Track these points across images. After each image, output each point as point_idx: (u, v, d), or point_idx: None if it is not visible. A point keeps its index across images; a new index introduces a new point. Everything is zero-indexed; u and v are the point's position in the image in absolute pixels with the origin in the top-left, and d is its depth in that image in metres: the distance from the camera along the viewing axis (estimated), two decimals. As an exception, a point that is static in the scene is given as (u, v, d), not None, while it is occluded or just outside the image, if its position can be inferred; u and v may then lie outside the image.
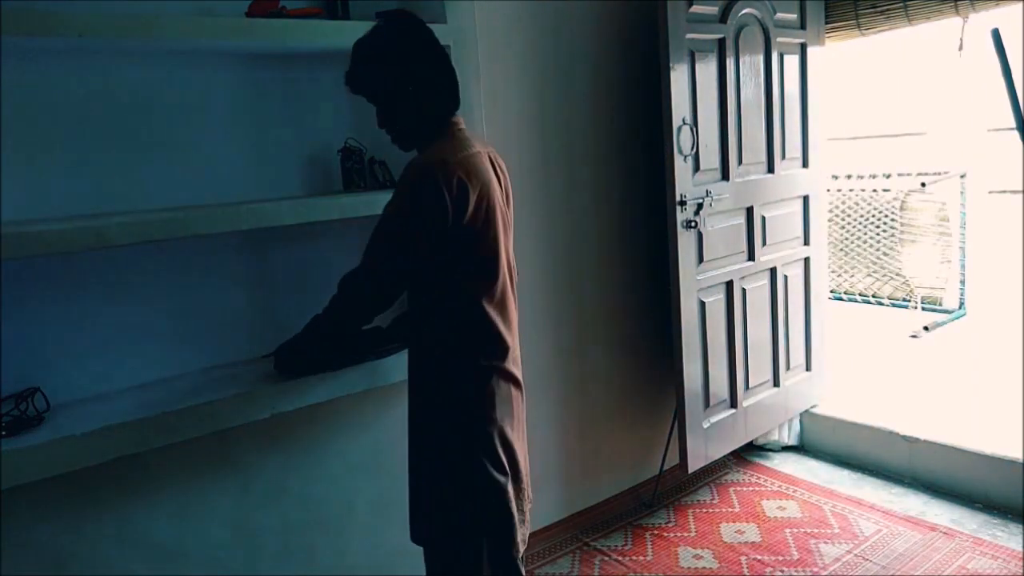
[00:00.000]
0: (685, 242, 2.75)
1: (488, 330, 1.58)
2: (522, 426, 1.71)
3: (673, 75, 2.64)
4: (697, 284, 2.83)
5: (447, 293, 1.56)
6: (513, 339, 1.65)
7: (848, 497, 2.96)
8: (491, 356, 1.59)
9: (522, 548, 1.68)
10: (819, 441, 3.37)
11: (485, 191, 1.54)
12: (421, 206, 1.48)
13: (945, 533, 2.66)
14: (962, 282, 3.78)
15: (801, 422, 3.42)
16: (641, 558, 2.65)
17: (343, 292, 1.64)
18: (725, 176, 2.90)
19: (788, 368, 3.28)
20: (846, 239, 4.12)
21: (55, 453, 1.59)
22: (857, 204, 4.08)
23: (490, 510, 1.60)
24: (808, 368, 3.39)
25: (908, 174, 3.89)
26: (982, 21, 2.73)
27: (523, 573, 1.74)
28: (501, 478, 1.59)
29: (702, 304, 2.86)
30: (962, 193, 3.75)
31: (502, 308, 1.61)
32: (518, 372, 1.67)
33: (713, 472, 3.21)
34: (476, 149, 1.58)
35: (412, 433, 1.67)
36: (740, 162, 2.95)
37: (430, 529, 1.64)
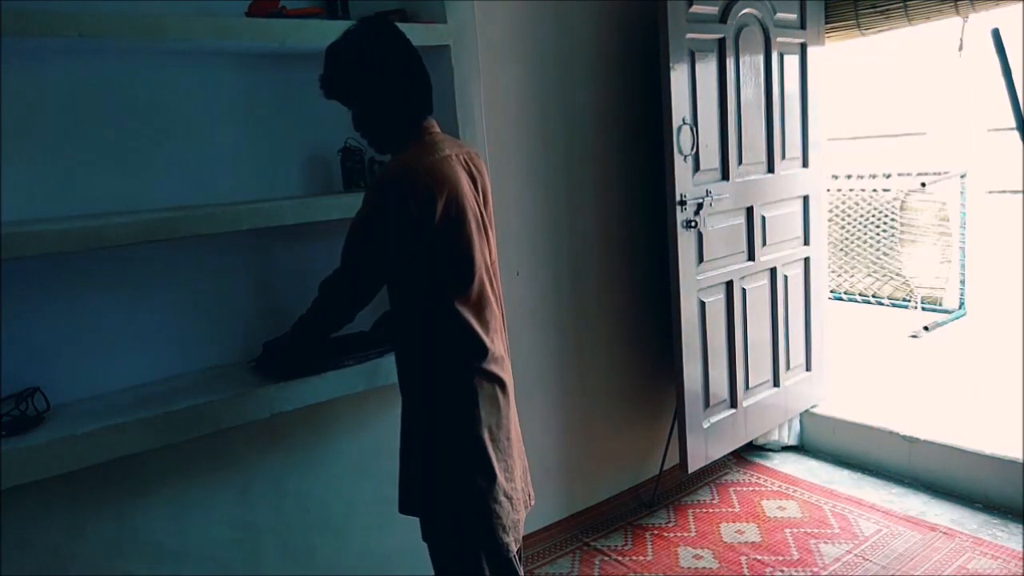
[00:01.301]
0: (685, 242, 2.75)
1: (462, 331, 1.59)
2: (514, 425, 1.72)
3: (673, 75, 2.64)
4: (697, 284, 2.83)
5: (421, 295, 1.59)
6: (493, 339, 1.65)
7: (848, 497, 2.96)
8: (469, 357, 1.60)
9: (514, 547, 1.69)
10: (819, 441, 3.37)
11: (453, 195, 1.55)
12: (386, 213, 1.51)
13: (945, 533, 2.66)
14: (962, 282, 3.78)
15: (801, 422, 3.42)
16: (641, 558, 2.65)
17: (322, 293, 1.71)
18: (725, 176, 2.90)
19: (788, 368, 3.28)
20: (846, 239, 4.13)
21: (55, 453, 1.59)
22: (857, 204, 4.08)
23: (467, 514, 1.62)
24: (808, 368, 3.39)
25: (908, 174, 3.89)
26: (982, 21, 2.72)
27: (518, 570, 1.74)
28: (481, 482, 1.61)
29: (702, 304, 2.86)
30: (962, 193, 3.75)
31: (478, 309, 1.62)
32: (502, 372, 1.67)
33: (713, 472, 3.21)
34: (446, 153, 1.60)
35: (402, 425, 1.71)
36: (740, 162, 2.95)
37: (423, 516, 1.69)
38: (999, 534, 2.62)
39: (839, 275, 4.16)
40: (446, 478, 1.61)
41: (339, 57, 1.58)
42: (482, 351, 1.61)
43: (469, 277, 1.60)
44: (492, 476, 1.62)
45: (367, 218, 1.56)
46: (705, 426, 2.92)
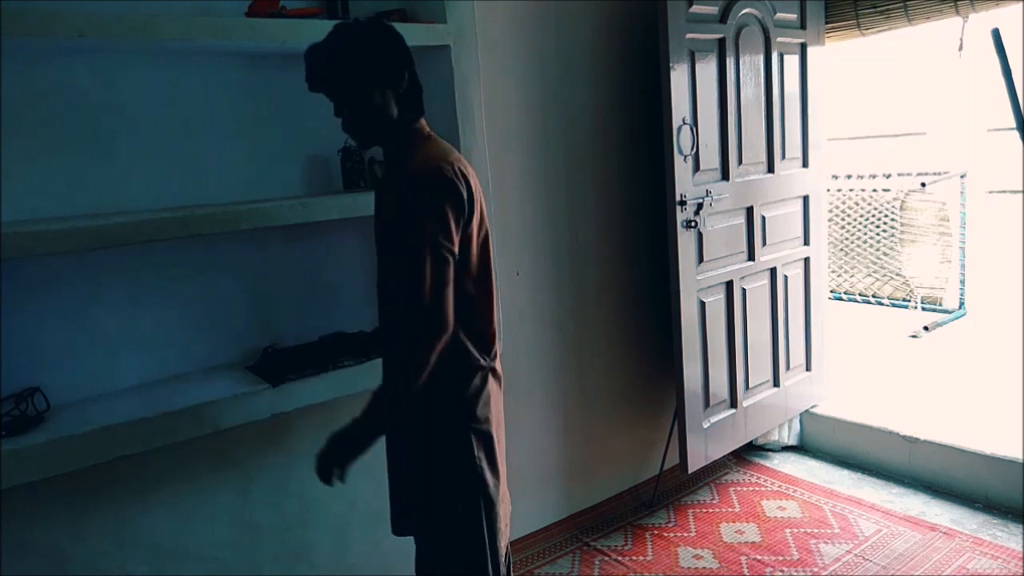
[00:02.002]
0: (685, 242, 2.75)
1: (483, 326, 1.59)
2: (503, 423, 1.71)
3: (673, 75, 2.64)
4: (697, 284, 2.83)
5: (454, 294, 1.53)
6: (499, 336, 1.67)
7: (848, 497, 2.96)
8: (483, 352, 1.60)
9: (503, 546, 1.67)
10: (819, 441, 3.37)
11: (477, 188, 1.56)
12: (448, 207, 1.45)
13: (945, 533, 2.66)
14: (962, 282, 3.78)
15: (801, 422, 3.42)
16: (641, 558, 2.65)
17: (405, 340, 1.45)
18: (725, 176, 2.90)
19: (788, 368, 3.28)
20: (846, 239, 4.12)
21: (55, 453, 1.59)
22: (857, 204, 4.08)
23: (477, 519, 1.58)
24: (808, 368, 3.39)
25: (908, 174, 3.89)
26: (982, 21, 2.72)
27: (505, 569, 1.72)
28: (492, 483, 1.59)
29: (702, 304, 2.86)
30: (962, 193, 3.74)
31: (492, 303, 1.63)
32: (500, 368, 1.68)
33: (713, 472, 3.21)
34: (455, 152, 1.60)
35: (395, 435, 1.65)
36: (740, 162, 2.95)
37: (426, 524, 1.63)
38: (999, 534, 2.62)
39: (839, 275, 4.16)
40: (458, 479, 1.56)
41: (354, 52, 1.50)
42: (493, 346, 1.62)
43: (489, 274, 1.59)
44: (498, 476, 1.61)
45: (434, 218, 1.43)
46: (705, 426, 2.91)
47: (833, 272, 4.12)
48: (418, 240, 1.43)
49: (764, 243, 3.09)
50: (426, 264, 1.42)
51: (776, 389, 3.23)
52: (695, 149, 2.76)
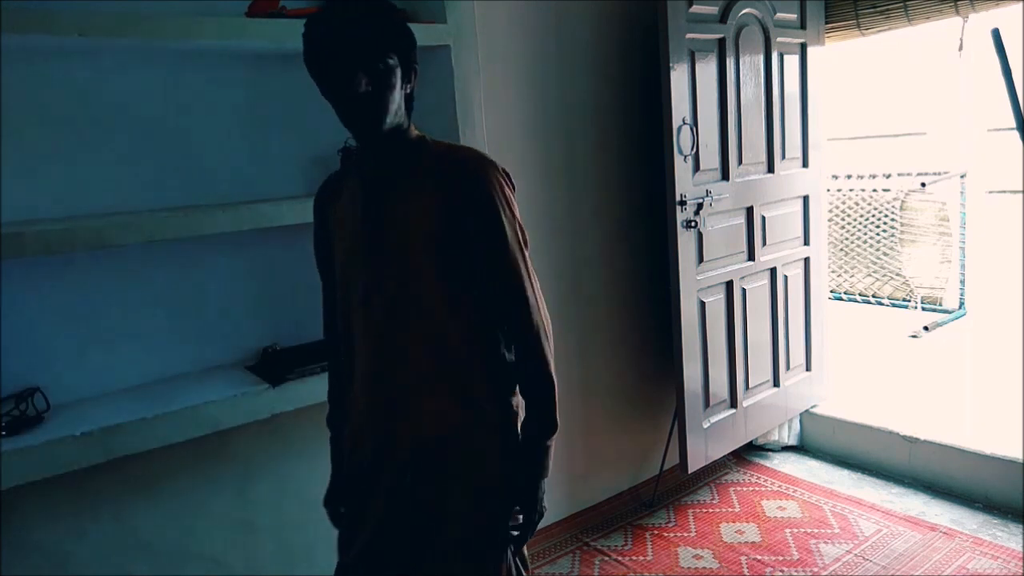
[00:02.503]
0: (685, 242, 2.75)
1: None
2: None
3: (673, 75, 2.64)
4: (697, 284, 2.83)
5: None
6: None
7: (848, 497, 2.96)
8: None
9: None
10: (819, 441, 3.37)
11: None
12: (511, 193, 1.35)
13: (945, 533, 2.66)
14: (962, 282, 3.78)
15: (801, 422, 3.42)
16: (641, 558, 2.65)
17: (537, 344, 1.33)
18: (725, 176, 2.90)
19: (788, 368, 3.28)
20: (846, 239, 4.12)
21: (55, 453, 1.59)
22: (857, 204, 4.07)
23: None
24: (808, 368, 3.39)
25: (908, 174, 3.88)
26: (982, 21, 2.72)
27: None
28: None
29: (702, 304, 2.86)
30: (962, 193, 3.74)
31: None
32: None
33: (713, 472, 3.21)
34: None
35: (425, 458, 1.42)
36: (740, 162, 2.95)
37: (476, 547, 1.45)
38: (999, 534, 2.62)
39: (839, 275, 4.16)
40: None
41: (396, 20, 1.31)
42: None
43: None
44: None
45: (509, 210, 1.30)
46: (705, 426, 2.91)
47: (833, 272, 4.11)
48: (510, 237, 1.29)
49: (764, 243, 3.09)
50: (520, 258, 1.31)
51: (776, 389, 3.23)
52: (695, 149, 2.76)
